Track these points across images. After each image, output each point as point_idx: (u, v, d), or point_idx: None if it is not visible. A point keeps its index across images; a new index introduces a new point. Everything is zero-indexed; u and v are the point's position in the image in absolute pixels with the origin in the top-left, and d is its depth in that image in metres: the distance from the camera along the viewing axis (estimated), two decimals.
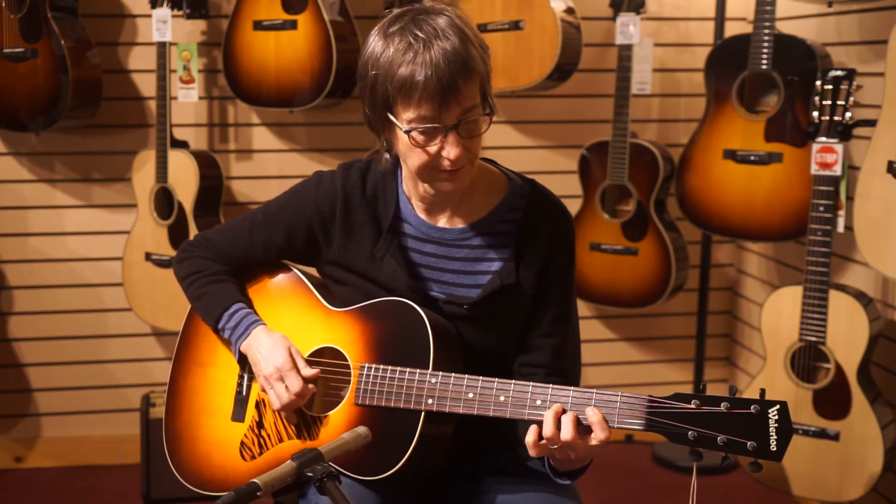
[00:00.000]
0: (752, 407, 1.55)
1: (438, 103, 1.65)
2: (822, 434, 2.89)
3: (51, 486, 3.58)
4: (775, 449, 1.54)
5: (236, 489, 1.38)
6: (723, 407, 1.56)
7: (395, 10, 1.74)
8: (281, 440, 1.87)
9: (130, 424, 3.68)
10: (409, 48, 1.65)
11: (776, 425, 1.54)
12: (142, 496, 3.35)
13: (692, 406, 1.57)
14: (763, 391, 1.57)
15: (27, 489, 3.55)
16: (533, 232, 1.83)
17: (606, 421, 1.61)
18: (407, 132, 1.69)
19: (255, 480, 1.40)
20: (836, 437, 2.87)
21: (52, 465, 3.70)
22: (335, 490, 1.44)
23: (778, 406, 1.54)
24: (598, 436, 1.61)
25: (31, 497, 3.50)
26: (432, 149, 1.70)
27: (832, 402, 2.88)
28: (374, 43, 1.71)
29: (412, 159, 1.73)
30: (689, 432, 1.57)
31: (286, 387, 1.82)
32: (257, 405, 1.92)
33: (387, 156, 1.83)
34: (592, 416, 1.61)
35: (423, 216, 1.87)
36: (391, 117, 1.72)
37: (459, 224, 1.86)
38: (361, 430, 1.59)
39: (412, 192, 1.86)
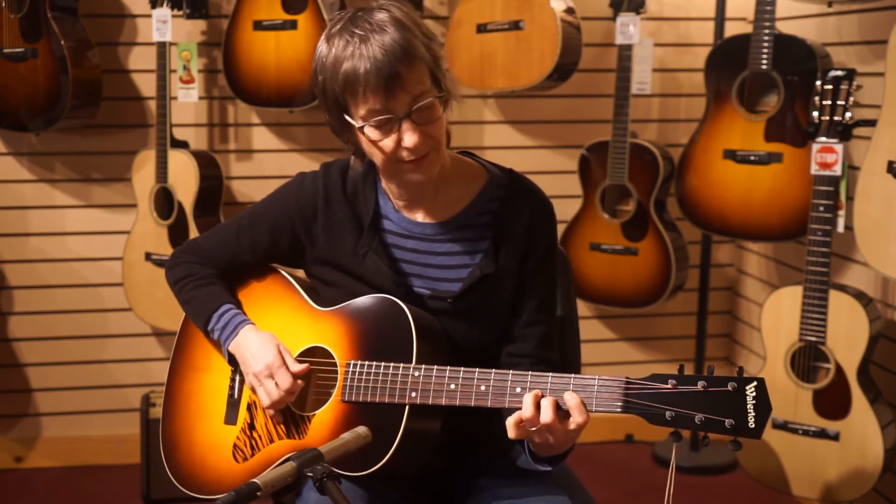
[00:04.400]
0: (728, 384, 1.53)
1: (383, 93, 1.67)
2: (822, 434, 2.89)
3: (51, 486, 3.58)
4: (753, 426, 1.52)
5: (236, 489, 1.38)
6: (699, 386, 1.55)
7: (338, 14, 1.76)
8: (272, 440, 1.87)
9: (130, 424, 3.68)
10: (347, 45, 1.68)
11: (754, 402, 1.52)
12: (142, 496, 3.35)
13: (669, 386, 1.56)
14: (741, 369, 1.56)
15: (27, 489, 3.55)
16: (511, 221, 1.83)
17: (585, 405, 1.61)
18: (360, 129, 1.71)
19: (254, 480, 1.40)
20: (836, 437, 2.87)
21: (52, 465, 3.70)
22: (335, 490, 1.44)
23: (755, 382, 1.52)
24: (576, 420, 1.61)
25: (31, 497, 3.50)
26: (390, 141, 1.71)
27: (832, 402, 2.88)
28: (320, 48, 1.74)
29: (375, 156, 1.75)
30: (667, 412, 1.56)
31: (276, 383, 1.83)
32: (248, 407, 1.92)
33: (355, 159, 1.86)
34: (570, 400, 1.61)
35: (402, 212, 1.87)
36: (347, 118, 1.74)
37: (438, 218, 1.86)
38: (361, 430, 1.58)
39: (389, 189, 1.87)
